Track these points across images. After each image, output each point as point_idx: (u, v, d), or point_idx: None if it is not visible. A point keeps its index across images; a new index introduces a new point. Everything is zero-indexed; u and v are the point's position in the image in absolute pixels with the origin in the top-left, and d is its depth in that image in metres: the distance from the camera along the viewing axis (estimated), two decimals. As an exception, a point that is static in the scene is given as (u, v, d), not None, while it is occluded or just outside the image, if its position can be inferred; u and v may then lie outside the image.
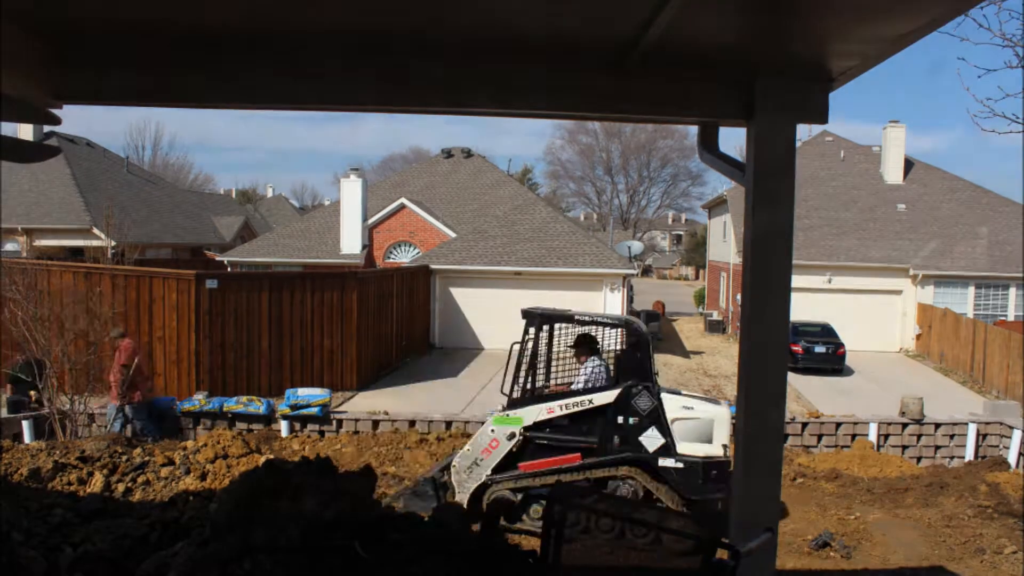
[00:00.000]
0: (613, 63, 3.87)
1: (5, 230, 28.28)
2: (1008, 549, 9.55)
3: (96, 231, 27.98)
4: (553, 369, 9.98)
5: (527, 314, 9.60)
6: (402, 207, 27.96)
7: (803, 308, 22.62)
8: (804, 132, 33.69)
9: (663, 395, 9.26)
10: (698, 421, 9.32)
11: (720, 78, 3.98)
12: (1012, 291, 25.51)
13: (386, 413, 14.27)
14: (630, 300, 29.01)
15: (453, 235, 26.49)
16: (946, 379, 20.97)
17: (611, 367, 9.54)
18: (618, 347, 9.68)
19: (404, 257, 27.55)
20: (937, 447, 14.60)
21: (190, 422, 13.91)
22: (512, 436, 9.19)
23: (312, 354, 16.26)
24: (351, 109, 4.40)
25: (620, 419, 9.08)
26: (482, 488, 9.24)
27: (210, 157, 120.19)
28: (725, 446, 9.25)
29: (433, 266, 23.60)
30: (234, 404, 13.84)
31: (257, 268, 25.88)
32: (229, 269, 25.92)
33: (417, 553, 4.81)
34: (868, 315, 25.65)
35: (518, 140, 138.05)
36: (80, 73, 3.94)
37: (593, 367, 9.45)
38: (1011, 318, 24.65)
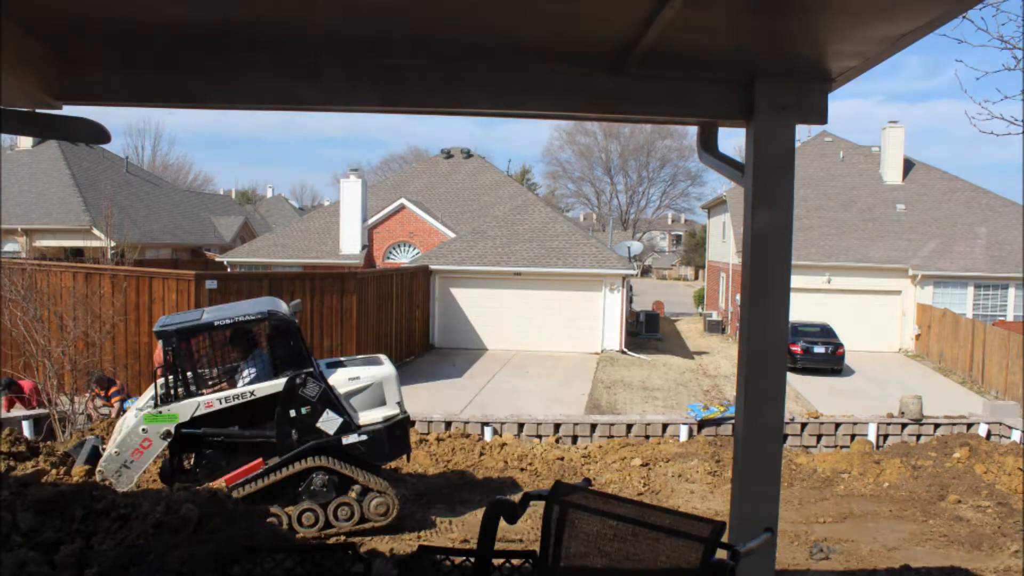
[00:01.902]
0: (612, 64, 3.87)
1: (5, 231, 28.28)
2: (1010, 548, 9.56)
3: (96, 231, 27.99)
4: (215, 375, 9.50)
5: (161, 334, 8.79)
6: (402, 207, 27.98)
7: (802, 308, 22.63)
8: (803, 132, 33.77)
9: (329, 373, 9.14)
10: (369, 387, 9.25)
11: (719, 79, 3.98)
12: (1011, 291, 25.53)
13: (386, 413, 14.27)
14: (629, 300, 29.04)
15: (452, 235, 26.51)
16: (945, 379, 20.99)
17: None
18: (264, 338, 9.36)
19: (404, 257, 27.56)
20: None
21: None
22: (167, 435, 8.65)
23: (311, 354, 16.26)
24: (351, 110, 4.40)
25: (292, 412, 8.81)
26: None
27: (209, 157, 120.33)
28: (399, 403, 9.34)
29: (433, 266, 23.61)
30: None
31: (257, 268, 25.88)
32: (229, 270, 25.93)
33: (415, 555, 4.82)
34: (867, 315, 25.67)
35: (517, 141, 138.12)
36: (80, 73, 3.94)
37: (253, 363, 9.09)
38: (1010, 318, 24.67)
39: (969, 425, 14.87)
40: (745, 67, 3.87)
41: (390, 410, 9.25)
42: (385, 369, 9.48)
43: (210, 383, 9.15)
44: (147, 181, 38.65)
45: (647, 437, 14.16)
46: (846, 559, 9.34)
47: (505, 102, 4.09)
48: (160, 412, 8.66)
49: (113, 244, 26.40)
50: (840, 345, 21.07)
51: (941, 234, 27.15)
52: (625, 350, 23.31)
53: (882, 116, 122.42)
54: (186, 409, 8.69)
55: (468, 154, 35.38)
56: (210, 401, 8.74)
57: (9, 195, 29.16)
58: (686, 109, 4.16)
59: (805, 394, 17.86)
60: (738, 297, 25.02)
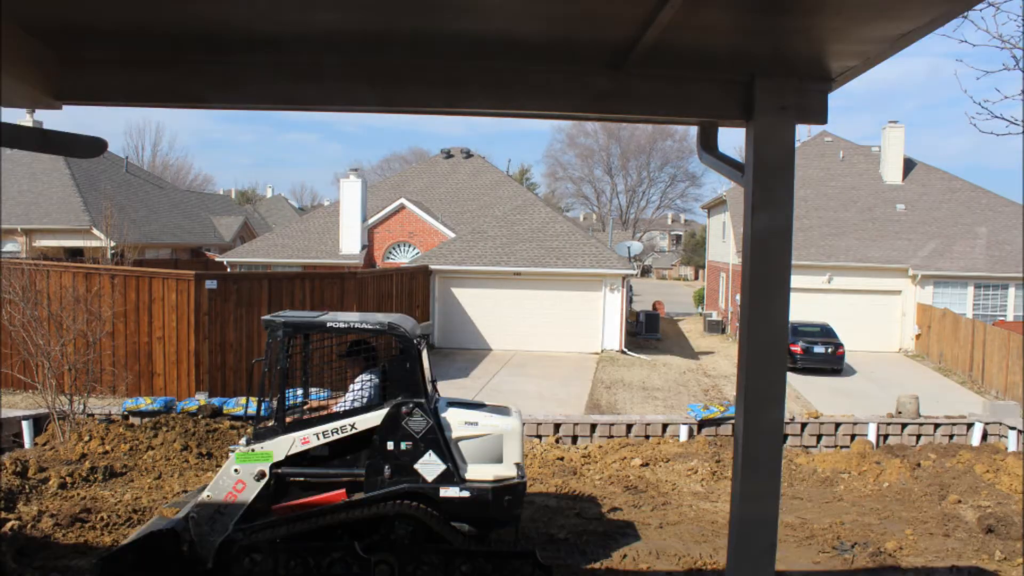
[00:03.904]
0: (612, 63, 3.87)
1: (5, 231, 28.29)
2: (1010, 548, 9.56)
3: (95, 231, 28.00)
4: (316, 388, 8.55)
5: (268, 324, 7.71)
6: (401, 207, 27.98)
7: (802, 308, 22.62)
8: (803, 132, 33.76)
9: (446, 410, 7.84)
10: (485, 438, 7.84)
11: (720, 78, 3.98)
12: (1011, 291, 25.53)
13: (386, 413, 14.25)
14: (629, 300, 29.03)
15: (452, 235, 26.51)
16: (945, 379, 20.98)
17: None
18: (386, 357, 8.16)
19: (403, 257, 27.56)
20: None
21: (189, 422, 13.89)
22: (261, 476, 7.34)
23: (311, 354, 16.26)
24: (351, 110, 4.40)
25: (391, 444, 7.47)
26: (229, 542, 7.35)
27: (209, 157, 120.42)
28: (519, 464, 7.85)
29: (432, 266, 23.61)
30: (233, 406, 13.82)
31: (256, 268, 25.88)
32: (228, 269, 25.92)
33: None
34: (867, 315, 25.68)
35: (517, 140, 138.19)
36: (80, 73, 3.94)
37: (364, 383, 7.81)
38: (1010, 318, 24.66)
39: (969, 425, 14.88)
40: (745, 67, 3.86)
41: (505, 470, 7.77)
42: (510, 421, 8.00)
43: (317, 394, 8.11)
44: (146, 181, 38.64)
45: (647, 437, 14.16)
46: (849, 560, 9.34)
47: (505, 102, 4.08)
48: (253, 450, 7.44)
49: (113, 244, 26.41)
50: (840, 345, 21.06)
51: (941, 234, 27.15)
52: (625, 350, 23.31)
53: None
54: (281, 446, 7.44)
55: (468, 154, 35.38)
56: (307, 437, 7.46)
57: (9, 195, 29.16)
58: (686, 109, 4.16)
59: (805, 394, 17.85)
60: (738, 297, 25.01)
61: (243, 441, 7.62)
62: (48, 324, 12.96)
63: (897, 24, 3.26)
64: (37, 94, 3.85)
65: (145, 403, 13.75)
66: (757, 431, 4.02)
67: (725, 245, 31.91)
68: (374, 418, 7.48)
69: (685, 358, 23.74)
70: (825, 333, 21.61)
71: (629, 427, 14.23)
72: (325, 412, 7.84)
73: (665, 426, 14.30)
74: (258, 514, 7.42)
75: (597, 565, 8.62)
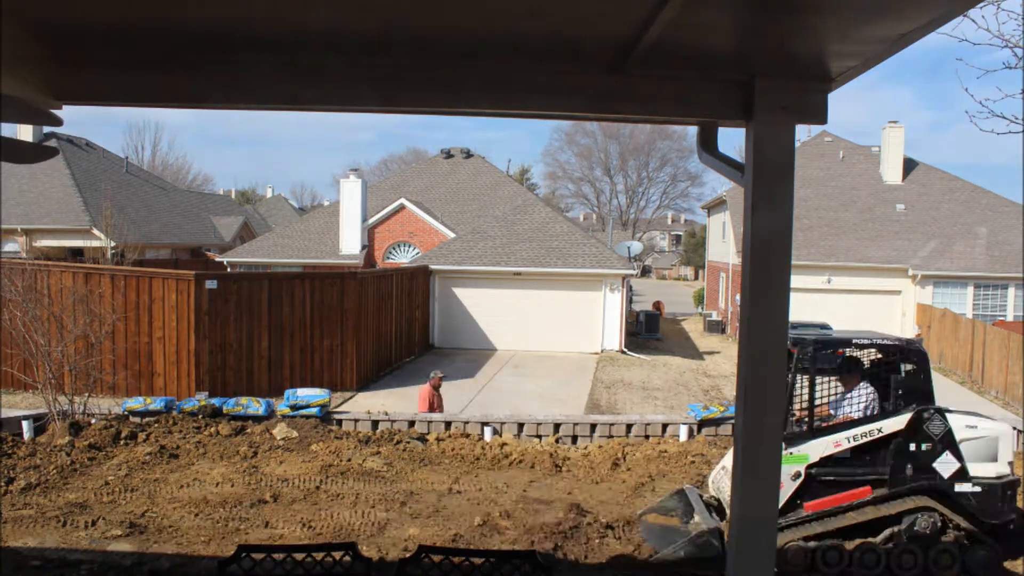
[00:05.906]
0: (612, 63, 3.87)
1: (5, 231, 28.30)
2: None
3: (96, 231, 28.02)
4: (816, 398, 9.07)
5: (798, 341, 8.59)
6: (401, 207, 28.00)
7: (802, 308, 22.62)
8: (803, 132, 33.79)
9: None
10: (983, 440, 8.81)
11: (719, 78, 3.98)
12: (1011, 291, 25.54)
13: (386, 413, 14.28)
14: (629, 300, 29.05)
15: (452, 235, 26.52)
16: (945, 379, 20.99)
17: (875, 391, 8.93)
18: (886, 368, 8.97)
19: (404, 257, 27.57)
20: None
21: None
22: (797, 476, 8.45)
23: (311, 354, 16.28)
24: (351, 110, 4.40)
25: (912, 446, 8.51)
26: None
27: (209, 157, 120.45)
28: (1011, 463, 8.84)
29: (432, 266, 23.62)
30: (233, 406, 13.83)
31: (257, 268, 25.89)
32: (229, 269, 25.94)
33: (415, 555, 4.82)
34: (867, 315, 25.67)
35: (517, 140, 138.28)
36: (80, 73, 3.93)
37: (866, 393, 8.76)
38: (1010, 318, 24.67)
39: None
40: (745, 67, 3.86)
41: (1003, 468, 8.78)
42: (1002, 426, 9.05)
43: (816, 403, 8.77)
44: (146, 181, 38.64)
45: (647, 437, 14.16)
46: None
47: (505, 102, 4.08)
48: (790, 453, 8.37)
49: (113, 244, 26.43)
50: (840, 345, 21.05)
51: (941, 234, 27.16)
52: (625, 350, 23.32)
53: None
54: (816, 449, 8.48)
55: (468, 154, 35.40)
56: (839, 440, 8.49)
57: (9, 195, 29.17)
58: (686, 109, 4.15)
59: (805, 394, 17.84)
60: (738, 297, 25.01)
61: None
62: (49, 324, 12.97)
63: (897, 24, 3.25)
64: (36, 94, 3.85)
65: (145, 403, 13.75)
66: (757, 431, 4.02)
67: (725, 245, 31.92)
68: (899, 423, 8.53)
69: (685, 358, 23.73)
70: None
71: (629, 427, 14.23)
72: (842, 419, 8.73)
73: (665, 426, 14.30)
74: (785, 512, 8.47)
75: (598, 564, 8.63)
